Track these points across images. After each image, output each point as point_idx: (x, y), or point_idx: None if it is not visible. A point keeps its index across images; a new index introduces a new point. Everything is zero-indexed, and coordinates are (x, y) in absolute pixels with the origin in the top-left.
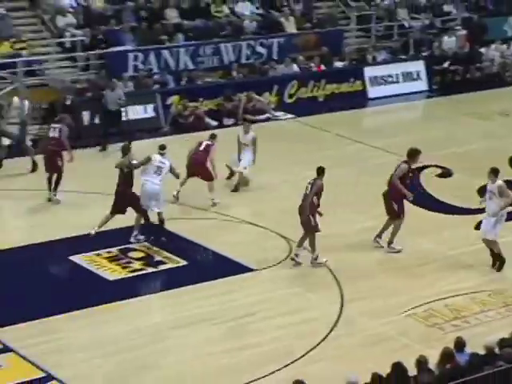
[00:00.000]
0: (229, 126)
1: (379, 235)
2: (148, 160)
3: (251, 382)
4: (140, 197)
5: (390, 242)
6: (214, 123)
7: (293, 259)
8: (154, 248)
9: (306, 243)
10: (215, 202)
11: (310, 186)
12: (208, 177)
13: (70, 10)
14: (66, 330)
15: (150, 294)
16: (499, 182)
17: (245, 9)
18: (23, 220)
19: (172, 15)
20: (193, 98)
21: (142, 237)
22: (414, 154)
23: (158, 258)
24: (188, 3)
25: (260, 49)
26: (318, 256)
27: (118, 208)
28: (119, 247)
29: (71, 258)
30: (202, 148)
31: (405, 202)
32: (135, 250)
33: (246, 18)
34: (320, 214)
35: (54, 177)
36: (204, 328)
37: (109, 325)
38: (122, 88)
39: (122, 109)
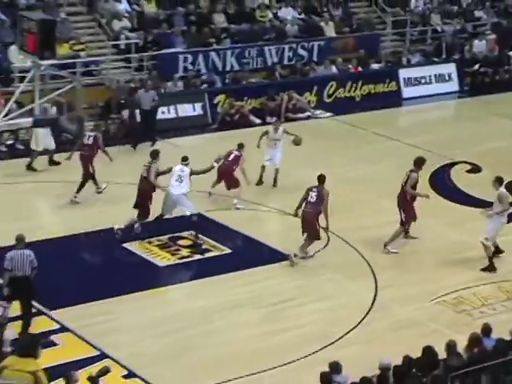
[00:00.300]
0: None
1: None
2: (169, 171)
3: (289, 363)
4: (163, 204)
5: (386, 244)
6: (258, 121)
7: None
8: (201, 237)
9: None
10: (238, 207)
11: (314, 195)
12: (234, 185)
13: (125, 14)
14: (119, 311)
15: (196, 279)
16: (500, 189)
17: (287, 14)
18: (77, 209)
19: (219, 20)
20: (238, 97)
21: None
22: (420, 162)
23: (204, 246)
24: (234, 8)
25: (301, 51)
26: (298, 257)
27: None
28: (169, 235)
29: (124, 245)
30: (230, 158)
31: (438, 197)
32: (184, 238)
33: (289, 23)
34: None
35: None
36: (246, 312)
37: (159, 308)
38: (171, 88)
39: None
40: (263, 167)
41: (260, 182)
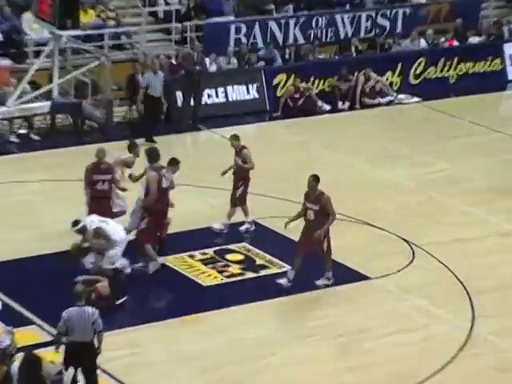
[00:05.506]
0: (344, 110)
1: None
2: None
3: None
4: None
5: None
6: (327, 107)
7: None
8: (255, 250)
9: None
10: None
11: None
12: None
13: None
14: (154, 342)
15: (249, 302)
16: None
17: None
18: None
19: None
20: (302, 77)
21: None
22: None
23: (259, 262)
24: None
25: (382, 21)
26: None
27: None
28: (215, 248)
29: (159, 259)
30: None
31: None
32: (233, 251)
33: None
34: None
35: None
36: (311, 344)
37: (203, 337)
38: (223, 63)
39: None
40: None
41: None
